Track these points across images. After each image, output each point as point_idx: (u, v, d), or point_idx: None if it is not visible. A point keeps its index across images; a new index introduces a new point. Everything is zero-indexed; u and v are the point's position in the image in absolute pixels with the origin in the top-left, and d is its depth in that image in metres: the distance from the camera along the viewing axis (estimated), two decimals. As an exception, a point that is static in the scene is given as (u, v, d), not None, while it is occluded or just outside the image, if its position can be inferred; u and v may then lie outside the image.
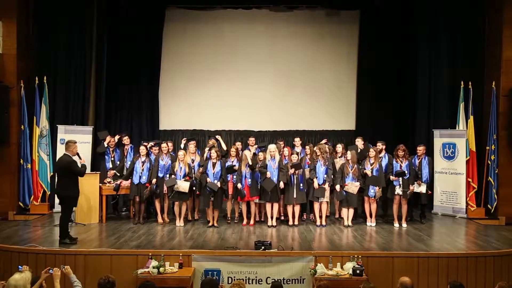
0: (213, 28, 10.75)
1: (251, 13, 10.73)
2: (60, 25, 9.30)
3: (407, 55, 10.27)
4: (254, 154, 8.25)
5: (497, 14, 8.85)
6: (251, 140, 9.12)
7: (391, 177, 7.90)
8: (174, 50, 10.78)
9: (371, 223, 7.98)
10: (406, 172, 7.84)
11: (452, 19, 9.44)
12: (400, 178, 7.87)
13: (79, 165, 6.85)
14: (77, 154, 6.96)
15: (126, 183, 8.18)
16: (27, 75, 9.01)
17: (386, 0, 9.92)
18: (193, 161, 8.21)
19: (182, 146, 8.93)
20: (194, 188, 8.00)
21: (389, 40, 10.42)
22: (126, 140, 8.91)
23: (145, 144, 8.38)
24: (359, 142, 8.61)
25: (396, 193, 7.93)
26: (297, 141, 8.90)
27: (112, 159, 8.74)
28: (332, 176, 7.95)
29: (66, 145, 6.97)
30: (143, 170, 7.98)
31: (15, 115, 8.69)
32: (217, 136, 9.13)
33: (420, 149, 8.36)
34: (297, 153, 8.38)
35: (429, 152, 9.21)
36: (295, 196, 7.85)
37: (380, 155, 8.14)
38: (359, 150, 8.39)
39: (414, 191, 8.03)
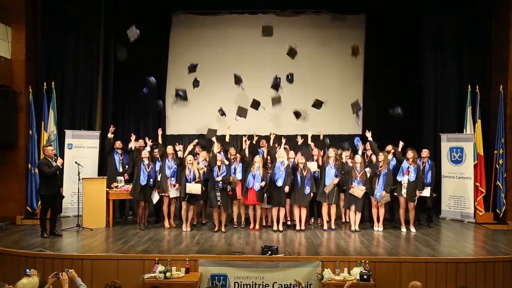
0: (219, 33, 10.81)
1: (257, 18, 10.77)
2: (68, 31, 9.39)
3: (413, 59, 10.25)
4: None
5: (504, 17, 8.81)
6: (263, 142, 8.92)
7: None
8: (180, 55, 10.84)
9: (378, 228, 7.94)
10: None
11: (459, 22, 9.40)
12: (406, 182, 7.85)
13: (55, 166, 7.34)
14: (55, 155, 7.55)
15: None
16: (35, 80, 9.08)
17: (391, 3, 9.91)
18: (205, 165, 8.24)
19: (189, 149, 8.93)
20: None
21: (395, 44, 10.41)
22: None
23: (151, 146, 8.42)
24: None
25: (399, 193, 7.89)
26: (311, 144, 8.87)
27: (121, 161, 8.77)
28: (342, 175, 7.92)
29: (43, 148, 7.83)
30: (149, 174, 8.00)
31: (23, 120, 8.75)
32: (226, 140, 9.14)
33: (425, 152, 8.32)
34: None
35: (436, 156, 9.19)
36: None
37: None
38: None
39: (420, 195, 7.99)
